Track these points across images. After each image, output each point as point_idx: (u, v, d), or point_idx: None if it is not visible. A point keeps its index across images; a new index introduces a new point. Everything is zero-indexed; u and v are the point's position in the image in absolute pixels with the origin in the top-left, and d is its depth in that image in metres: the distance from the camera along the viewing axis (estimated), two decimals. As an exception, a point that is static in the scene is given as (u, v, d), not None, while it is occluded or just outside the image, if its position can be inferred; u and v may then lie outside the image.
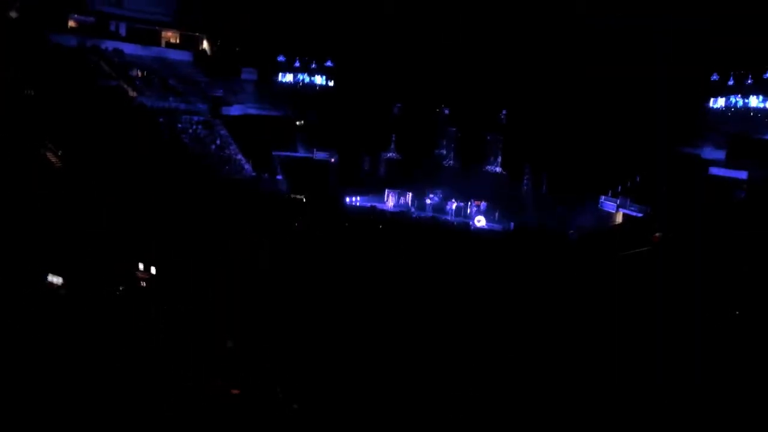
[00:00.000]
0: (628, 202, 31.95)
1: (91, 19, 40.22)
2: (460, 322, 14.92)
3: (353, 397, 10.16)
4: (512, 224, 35.85)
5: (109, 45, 39.39)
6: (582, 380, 11.49)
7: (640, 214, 30.55)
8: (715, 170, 31.33)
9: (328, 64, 44.06)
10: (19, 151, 25.40)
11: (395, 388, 10.69)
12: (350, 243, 24.88)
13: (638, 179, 33.03)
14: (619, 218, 32.55)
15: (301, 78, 44.35)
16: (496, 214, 37.97)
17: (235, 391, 9.43)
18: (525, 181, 40.75)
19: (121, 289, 14.52)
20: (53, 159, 26.84)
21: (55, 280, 13.87)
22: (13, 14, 36.06)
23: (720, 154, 32.14)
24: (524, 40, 36.29)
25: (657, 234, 24.63)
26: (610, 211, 33.21)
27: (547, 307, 16.52)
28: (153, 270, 15.44)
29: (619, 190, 33.03)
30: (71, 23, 39.33)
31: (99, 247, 17.25)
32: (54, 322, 11.95)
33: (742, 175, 29.16)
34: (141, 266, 15.51)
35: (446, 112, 42.64)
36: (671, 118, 34.87)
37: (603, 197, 33.74)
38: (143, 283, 15.17)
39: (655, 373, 11.32)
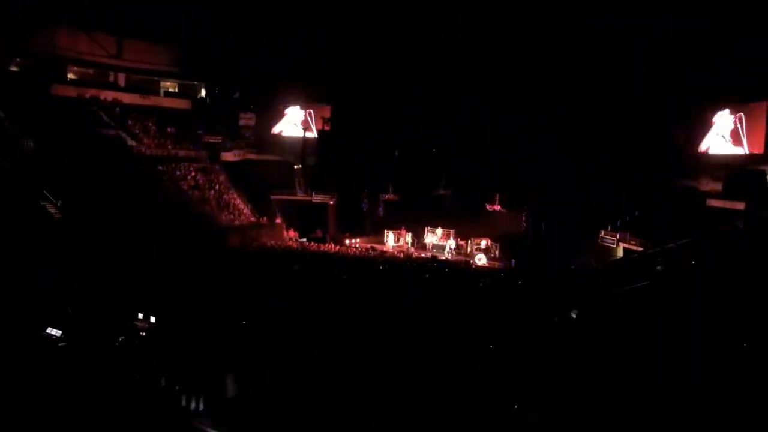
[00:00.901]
0: (628, 236, 31.97)
1: (91, 70, 40.94)
2: (460, 360, 14.71)
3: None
4: (513, 261, 35.77)
5: (108, 95, 39.96)
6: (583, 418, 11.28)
7: (640, 248, 30.53)
8: (713, 202, 31.47)
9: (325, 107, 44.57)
10: (18, 203, 25.53)
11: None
12: (349, 284, 24.74)
13: (637, 213, 33.12)
14: (619, 253, 32.52)
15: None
16: (497, 252, 37.94)
17: None
18: (524, 218, 40.82)
19: (121, 339, 14.35)
20: (52, 210, 26.95)
21: (54, 332, 13.75)
22: (14, 67, 36.77)
23: (717, 186, 32.31)
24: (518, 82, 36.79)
25: (660, 267, 24.54)
26: (611, 245, 33.19)
27: (550, 343, 16.33)
28: (152, 319, 15.30)
29: (618, 225, 33.07)
30: (71, 75, 39.99)
31: (98, 297, 17.18)
32: (53, 374, 11.81)
33: (740, 205, 29.31)
34: (140, 315, 15.38)
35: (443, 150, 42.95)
36: (668, 151, 35.36)
37: (603, 232, 33.76)
38: (143, 333, 15.01)
39: (656, 411, 11.13)
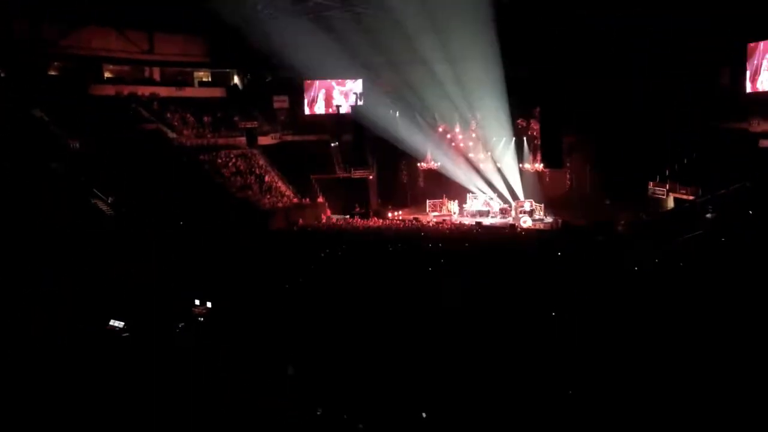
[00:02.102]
0: (678, 186, 31.06)
1: (126, 67, 41.70)
2: (518, 319, 14.70)
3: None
4: (560, 221, 35.26)
5: (145, 90, 40.69)
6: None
7: (691, 197, 29.67)
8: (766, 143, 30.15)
9: (358, 82, 44.34)
10: (71, 203, 26.40)
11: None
12: (395, 257, 24.83)
13: (686, 161, 32.10)
14: (670, 203, 31.67)
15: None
16: (542, 213, 37.46)
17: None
18: (568, 176, 40.10)
19: (180, 325, 14.82)
20: (104, 207, 27.78)
21: (117, 324, 14.29)
22: (53, 71, 37.74)
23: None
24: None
25: (710, 215, 23.85)
26: (660, 197, 32.34)
27: (601, 301, 16.11)
28: (209, 304, 15.73)
29: (668, 174, 32.13)
30: (107, 74, 40.82)
31: (156, 288, 17.73)
32: (118, 364, 12.29)
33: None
34: (197, 302, 15.83)
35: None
36: (713, 93, 33.92)
37: (652, 183, 32.89)
38: (201, 318, 15.46)
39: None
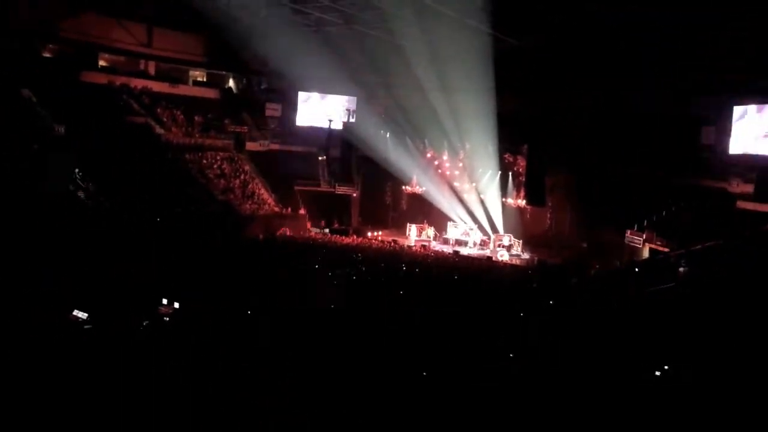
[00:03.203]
0: (654, 237, 31.52)
1: (121, 58, 41.50)
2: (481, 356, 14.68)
3: None
4: (536, 258, 35.55)
5: (138, 83, 40.47)
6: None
7: (666, 249, 30.10)
8: (743, 204, 30.84)
9: (352, 99, 44.56)
10: (47, 187, 26.01)
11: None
12: (371, 278, 24.77)
13: (664, 213, 32.64)
14: (645, 253, 32.09)
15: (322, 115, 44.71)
16: (519, 249, 37.74)
17: None
18: (549, 216, 40.51)
19: (145, 323, 14.60)
20: (81, 195, 27.42)
21: (81, 314, 14.03)
22: (47, 53, 37.40)
23: (748, 188, 31.63)
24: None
25: (682, 269, 24.16)
26: (637, 245, 32.77)
27: (570, 343, 16.19)
28: (176, 305, 15.53)
29: (645, 224, 32.62)
30: (102, 62, 40.57)
31: (124, 282, 17.47)
32: (79, 355, 12.06)
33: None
34: (164, 301, 15.62)
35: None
36: (695, 152, 34.69)
37: (629, 232, 33.35)
38: (166, 318, 15.25)
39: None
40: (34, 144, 28.21)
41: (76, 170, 28.04)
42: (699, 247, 27.06)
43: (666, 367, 13.15)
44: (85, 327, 13.82)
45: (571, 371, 13.35)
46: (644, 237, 32.25)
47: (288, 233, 35.74)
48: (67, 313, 14.05)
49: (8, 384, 10.36)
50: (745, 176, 31.88)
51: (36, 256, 18.69)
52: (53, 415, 9.59)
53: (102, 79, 38.54)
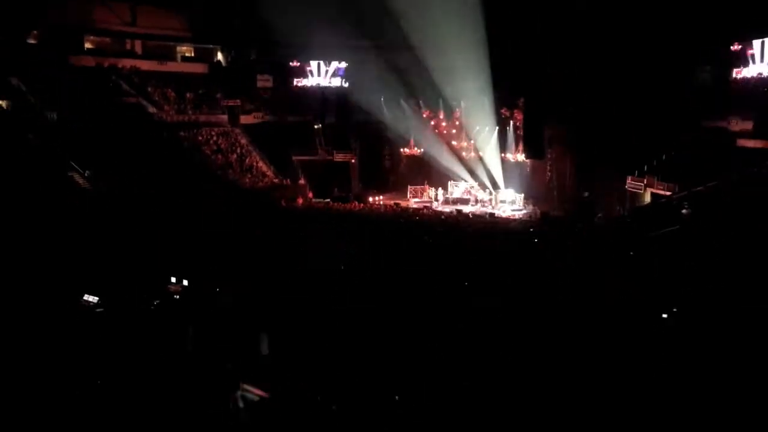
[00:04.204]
0: (655, 182, 31.44)
1: (107, 39, 40.90)
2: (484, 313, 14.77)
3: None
4: (538, 212, 35.56)
5: (127, 63, 39.99)
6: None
7: (668, 193, 30.06)
8: (743, 142, 30.61)
9: (342, 65, 43.96)
10: (47, 175, 25.96)
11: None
12: (375, 240, 24.84)
13: (664, 157, 32.47)
14: (647, 198, 32.07)
15: (316, 81, 44.11)
16: (521, 203, 37.71)
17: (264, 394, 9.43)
18: (548, 168, 40.38)
19: (155, 303, 14.71)
20: (80, 180, 27.37)
21: (91, 299, 14.14)
22: (32, 40, 36.85)
23: (747, 125, 31.34)
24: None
25: (686, 211, 24.18)
26: (638, 191, 32.72)
27: (573, 294, 16.29)
28: (185, 282, 15.62)
29: (646, 169, 32.49)
30: (88, 44, 40.00)
31: (131, 264, 17.55)
32: (91, 339, 12.19)
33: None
34: (173, 279, 15.70)
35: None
36: (695, 91, 34.26)
37: (630, 177, 33.25)
38: (176, 296, 15.35)
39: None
40: (28, 133, 28.04)
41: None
42: (701, 188, 27.06)
43: (674, 309, 13.25)
44: (97, 311, 13.94)
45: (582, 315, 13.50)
46: (645, 182, 32.17)
47: (300, 203, 35.79)
48: (78, 299, 14.16)
49: (22, 372, 10.52)
50: (744, 114, 31.55)
51: (40, 245, 18.75)
52: (68, 401, 9.76)
53: (90, 61, 38.05)
